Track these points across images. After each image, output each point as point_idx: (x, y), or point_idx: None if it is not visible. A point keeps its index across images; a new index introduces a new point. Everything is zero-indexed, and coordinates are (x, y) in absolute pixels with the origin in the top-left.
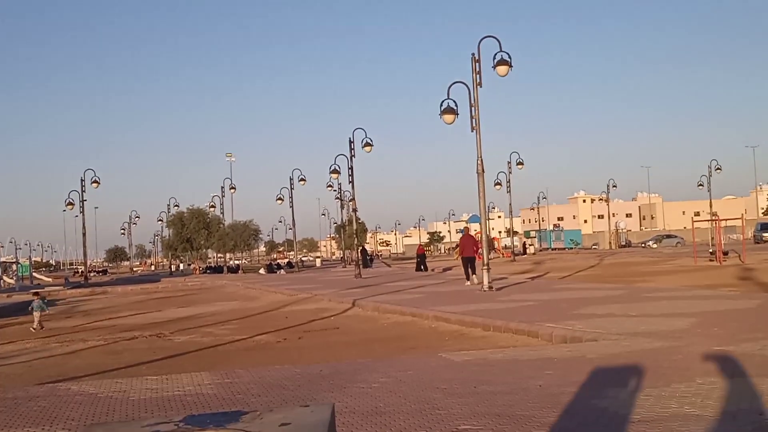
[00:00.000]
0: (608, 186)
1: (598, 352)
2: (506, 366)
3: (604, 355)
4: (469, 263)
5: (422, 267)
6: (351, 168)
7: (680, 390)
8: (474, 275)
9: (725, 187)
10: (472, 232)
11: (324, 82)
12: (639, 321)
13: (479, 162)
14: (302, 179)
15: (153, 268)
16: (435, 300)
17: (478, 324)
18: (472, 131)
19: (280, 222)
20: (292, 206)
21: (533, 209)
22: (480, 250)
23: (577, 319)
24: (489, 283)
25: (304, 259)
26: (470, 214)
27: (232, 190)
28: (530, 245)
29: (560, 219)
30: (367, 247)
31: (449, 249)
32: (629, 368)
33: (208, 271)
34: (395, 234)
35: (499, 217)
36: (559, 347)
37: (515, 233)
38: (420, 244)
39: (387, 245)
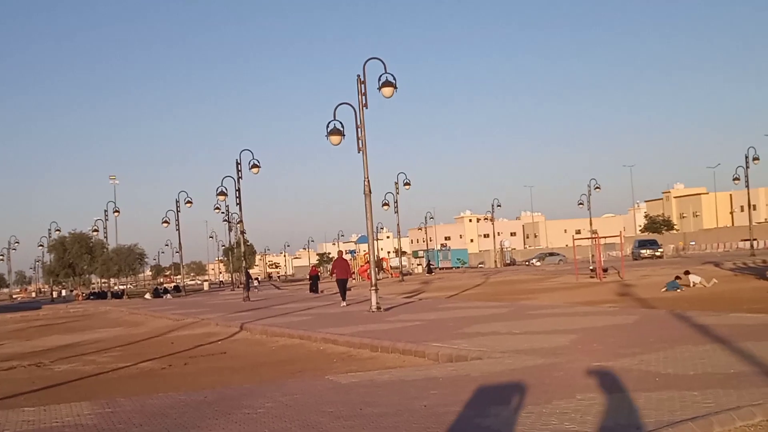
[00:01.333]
0: (493, 205)
1: (482, 371)
2: (393, 387)
3: (488, 373)
4: (342, 285)
5: (315, 288)
6: (238, 190)
7: (561, 406)
8: (344, 300)
9: (605, 206)
10: (346, 256)
11: (211, 103)
12: (522, 338)
13: (366, 183)
14: (189, 201)
15: (34, 295)
16: (324, 322)
17: (366, 345)
18: (359, 152)
19: (167, 245)
20: (178, 229)
21: (421, 229)
22: (354, 272)
23: (463, 338)
24: (377, 303)
25: (191, 282)
26: (359, 235)
27: (116, 214)
28: (418, 265)
29: (447, 238)
30: (256, 270)
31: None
32: (512, 386)
33: (91, 297)
34: (284, 256)
35: (388, 237)
36: (445, 366)
37: (403, 253)
38: (313, 265)
39: (276, 267)
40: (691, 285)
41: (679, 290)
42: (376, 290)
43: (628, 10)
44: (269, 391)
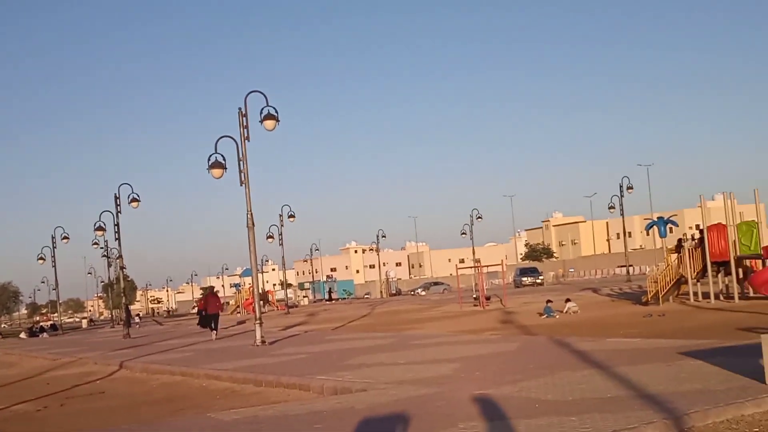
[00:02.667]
0: (378, 236)
1: (366, 402)
2: (276, 422)
3: (372, 404)
4: (213, 320)
5: (204, 322)
6: (117, 224)
7: None
8: (214, 331)
9: (487, 235)
10: (231, 290)
11: (87, 136)
12: (406, 368)
13: (249, 216)
14: (65, 237)
15: None
16: (207, 358)
17: (250, 380)
18: (242, 185)
19: (43, 282)
20: (54, 265)
21: (306, 261)
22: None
23: (348, 370)
24: (262, 337)
25: (69, 320)
26: (243, 268)
27: None
28: (304, 297)
29: (333, 270)
30: (137, 305)
31: (223, 304)
32: (395, 417)
33: None
34: (167, 291)
35: (273, 269)
36: (330, 399)
37: (289, 285)
38: (200, 299)
39: (158, 302)
40: (564, 311)
41: (555, 316)
42: (261, 324)
43: (495, 49)
44: None
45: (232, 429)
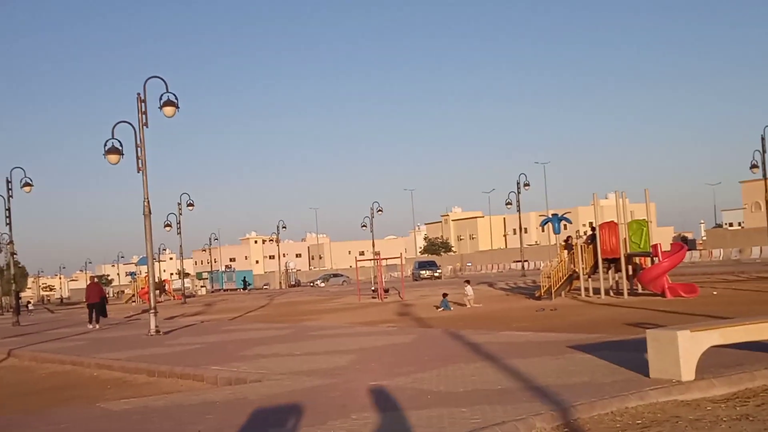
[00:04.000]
0: (278, 227)
1: (260, 393)
2: (167, 413)
3: (266, 395)
4: (94, 308)
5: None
6: (8, 209)
7: (335, 426)
8: (96, 323)
9: (387, 228)
10: (126, 278)
11: None
12: (302, 360)
13: (146, 203)
14: None
15: None
16: (99, 347)
17: (143, 370)
18: (139, 172)
19: None
20: None
21: (205, 250)
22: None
23: (243, 361)
24: (156, 327)
25: None
26: (140, 257)
27: None
28: (202, 287)
29: (232, 260)
30: (28, 293)
31: (118, 293)
32: (289, 408)
33: None
34: (60, 278)
35: (171, 258)
36: (224, 390)
37: (187, 275)
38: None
39: (51, 290)
40: (465, 295)
41: (452, 309)
42: (156, 313)
43: (397, 43)
44: (35, 422)
45: (121, 419)
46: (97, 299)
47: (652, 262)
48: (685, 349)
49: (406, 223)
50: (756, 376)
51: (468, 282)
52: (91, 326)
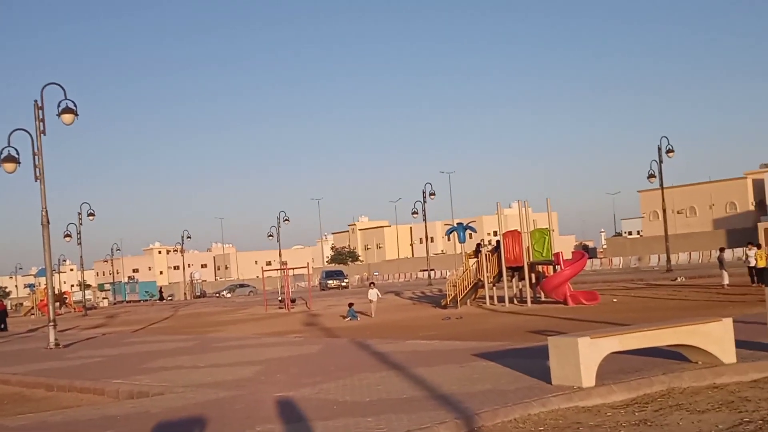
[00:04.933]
0: (183, 237)
1: (163, 406)
2: (65, 428)
3: (168, 408)
4: None
5: (2, 326)
6: None
7: None
8: None
9: (294, 238)
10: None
11: None
12: (207, 372)
13: (44, 213)
14: None
15: None
16: None
17: (41, 384)
18: (36, 180)
19: None
20: None
21: (107, 261)
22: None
23: (146, 374)
24: (55, 340)
25: None
26: (39, 268)
27: None
28: (104, 298)
29: (136, 271)
30: None
31: (16, 305)
32: (192, 421)
33: None
34: None
35: (72, 270)
36: (125, 404)
37: (88, 286)
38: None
39: None
40: (369, 300)
41: (358, 318)
42: (55, 326)
43: (306, 55)
44: None
45: None
46: None
47: (555, 270)
48: (585, 355)
49: (313, 232)
50: (654, 382)
51: (373, 284)
52: None
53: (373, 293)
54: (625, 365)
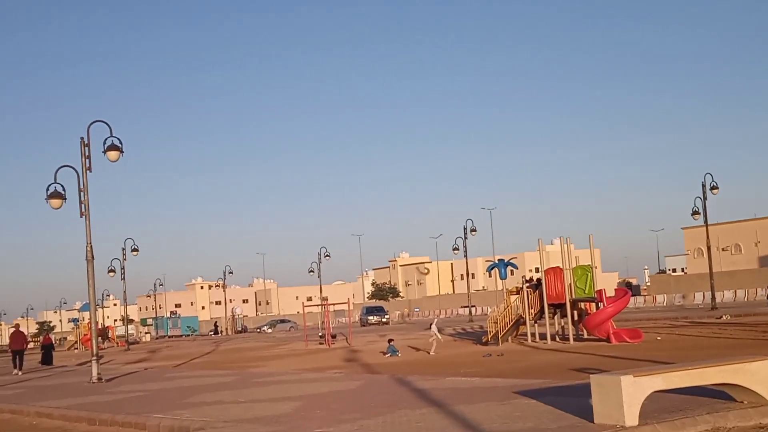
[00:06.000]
0: (225, 272)
1: None
2: None
3: None
4: (18, 355)
5: (48, 360)
6: None
7: None
8: (19, 368)
9: (335, 273)
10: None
11: None
12: (247, 407)
13: (89, 248)
14: None
15: None
16: (39, 395)
17: (83, 418)
18: (81, 216)
19: None
20: None
21: (150, 296)
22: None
23: (187, 408)
24: (98, 374)
25: None
26: (83, 303)
27: None
28: (146, 333)
29: (178, 306)
30: None
31: (60, 339)
32: None
33: None
34: (0, 324)
35: (115, 304)
36: None
37: (131, 321)
38: (46, 333)
39: None
40: (432, 337)
41: (399, 354)
42: (98, 360)
43: (338, 88)
44: None
45: None
46: (20, 346)
47: (597, 307)
48: (628, 394)
49: (354, 268)
50: (698, 421)
51: (436, 320)
52: (15, 372)
53: (435, 328)
54: (669, 404)
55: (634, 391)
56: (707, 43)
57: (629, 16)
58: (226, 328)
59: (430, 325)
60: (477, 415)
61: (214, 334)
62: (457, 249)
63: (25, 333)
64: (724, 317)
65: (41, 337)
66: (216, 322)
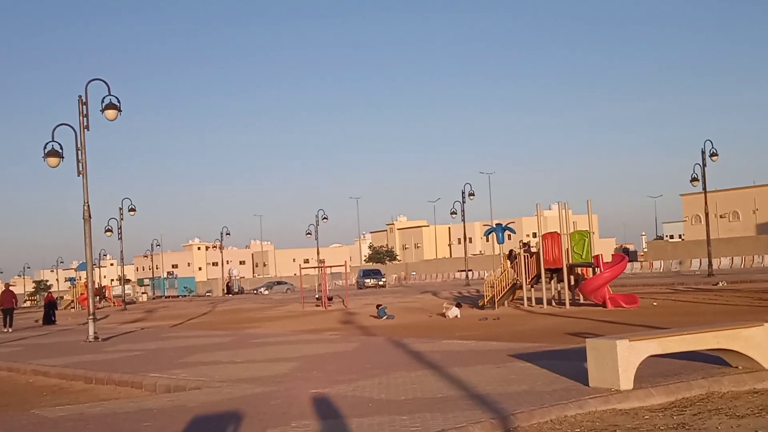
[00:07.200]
0: (222, 233)
1: (199, 401)
2: (103, 420)
3: (205, 403)
4: (7, 314)
5: (50, 319)
6: None
7: None
8: (9, 325)
9: (332, 236)
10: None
11: None
12: (243, 367)
13: (86, 207)
14: None
15: None
16: (36, 353)
17: (80, 377)
18: (79, 175)
19: None
20: None
21: (147, 256)
22: (17, 302)
23: (183, 368)
24: (95, 333)
25: None
26: (80, 262)
27: None
28: (143, 293)
29: (175, 266)
30: None
31: (57, 298)
32: (228, 415)
33: None
34: None
35: (112, 264)
36: (162, 397)
37: (128, 281)
38: (49, 292)
39: None
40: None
41: (393, 316)
42: (95, 319)
43: (344, 51)
44: None
45: (56, 426)
46: (10, 305)
47: (594, 272)
48: (623, 358)
49: (351, 231)
50: (693, 386)
51: (460, 305)
52: (6, 330)
53: (454, 311)
54: (664, 369)
55: (629, 355)
56: (706, 10)
57: None
58: (223, 289)
59: (451, 306)
60: (472, 377)
61: (228, 293)
62: (455, 213)
63: (14, 292)
64: (721, 284)
65: (44, 295)
66: (228, 279)
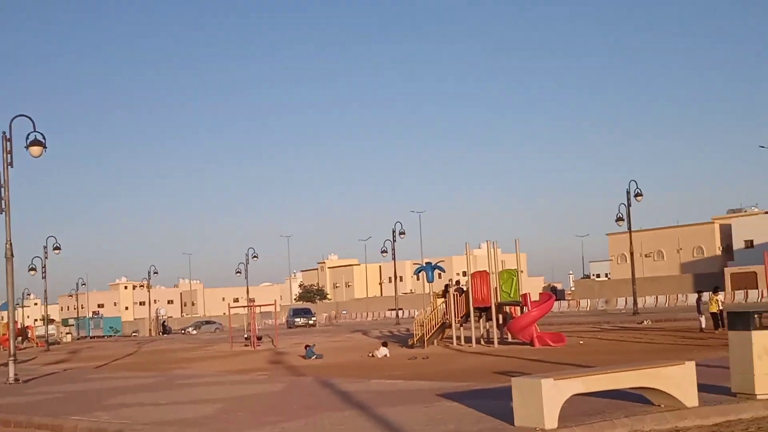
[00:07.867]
0: (149, 272)
1: None
2: None
3: None
4: None
5: None
6: None
7: None
8: None
9: (263, 275)
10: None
11: None
12: (168, 409)
13: (8, 245)
14: None
15: None
16: None
17: None
18: (1, 213)
19: None
20: None
21: (72, 296)
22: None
23: (105, 410)
24: (15, 374)
25: None
26: (1, 302)
27: None
28: (68, 333)
29: (101, 306)
30: None
31: None
32: None
33: None
34: None
35: (36, 304)
36: None
37: (52, 321)
38: None
39: None
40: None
41: (322, 356)
42: (15, 360)
43: (274, 90)
44: None
45: None
46: None
47: (522, 311)
48: (548, 397)
49: (282, 269)
50: (616, 425)
51: (386, 344)
52: None
53: (383, 351)
54: (588, 407)
55: (554, 394)
56: (631, 47)
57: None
58: (150, 329)
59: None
60: (399, 417)
61: (164, 333)
62: (386, 252)
63: None
64: (645, 322)
65: None
66: (163, 321)
